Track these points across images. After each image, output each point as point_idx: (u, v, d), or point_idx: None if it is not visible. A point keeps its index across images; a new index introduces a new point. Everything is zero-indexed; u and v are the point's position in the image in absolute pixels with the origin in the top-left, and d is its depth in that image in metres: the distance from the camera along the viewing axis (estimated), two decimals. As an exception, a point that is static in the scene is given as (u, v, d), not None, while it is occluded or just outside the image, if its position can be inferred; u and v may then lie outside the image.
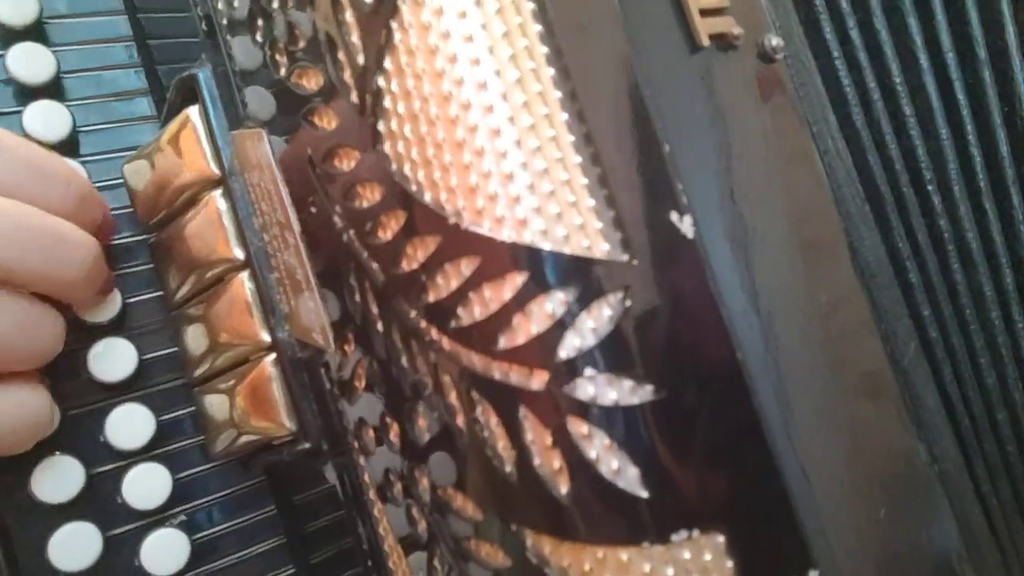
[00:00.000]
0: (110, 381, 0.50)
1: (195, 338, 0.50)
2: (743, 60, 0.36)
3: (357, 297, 0.36)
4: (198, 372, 0.50)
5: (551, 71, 0.30)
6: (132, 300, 0.53)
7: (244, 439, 0.47)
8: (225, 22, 0.40)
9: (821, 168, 0.36)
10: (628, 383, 0.28)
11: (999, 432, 0.39)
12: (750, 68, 0.36)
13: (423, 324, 0.31)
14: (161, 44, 0.59)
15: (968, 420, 0.38)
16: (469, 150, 0.29)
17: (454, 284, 0.30)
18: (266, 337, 0.45)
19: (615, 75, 0.31)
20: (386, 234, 0.32)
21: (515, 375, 0.29)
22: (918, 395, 0.36)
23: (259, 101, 0.39)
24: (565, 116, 0.30)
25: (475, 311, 0.29)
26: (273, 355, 0.45)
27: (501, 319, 0.29)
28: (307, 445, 0.43)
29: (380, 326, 0.35)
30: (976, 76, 0.43)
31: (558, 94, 0.30)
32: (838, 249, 0.35)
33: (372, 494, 0.40)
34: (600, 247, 0.30)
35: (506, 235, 0.29)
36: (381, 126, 0.31)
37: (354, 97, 0.32)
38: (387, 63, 0.30)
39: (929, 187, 0.40)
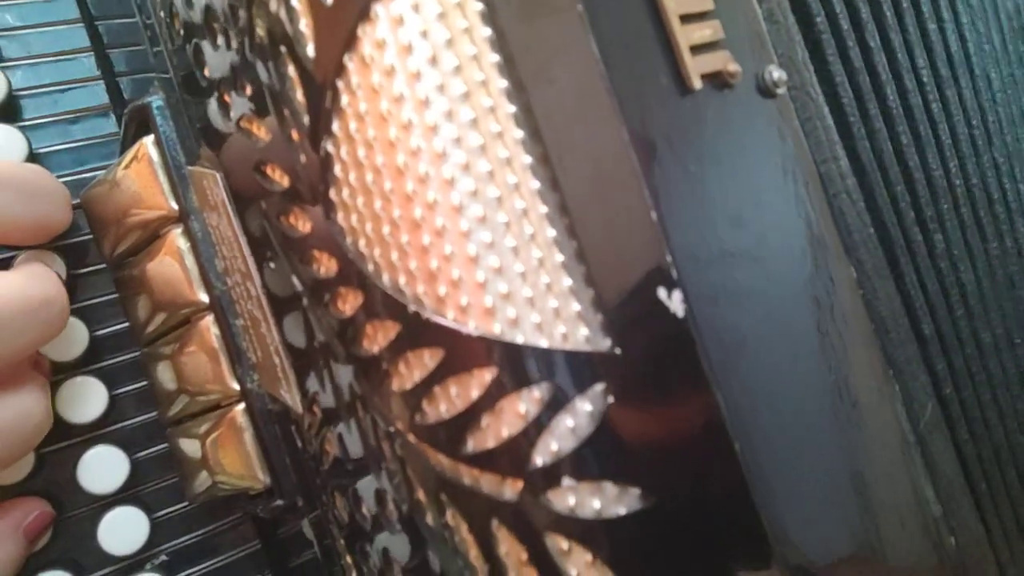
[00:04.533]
0: (81, 422, 0.48)
1: (166, 377, 0.47)
2: (741, 99, 0.32)
3: (321, 364, 0.33)
4: (171, 412, 0.47)
5: (519, 134, 0.27)
6: (100, 333, 0.50)
7: (219, 487, 0.45)
8: (171, 53, 0.37)
9: (831, 218, 0.32)
10: (612, 489, 0.26)
11: (1011, 493, 0.36)
12: (748, 108, 0.32)
13: (387, 413, 0.28)
14: (124, 53, 0.55)
15: (984, 484, 0.35)
16: (428, 230, 0.26)
17: (417, 376, 0.27)
18: (235, 386, 0.42)
19: (593, 133, 0.27)
20: (344, 309, 0.29)
21: (486, 483, 0.26)
22: (935, 464, 0.33)
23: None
24: (536, 184, 0.27)
25: (440, 408, 0.26)
26: (243, 404, 0.42)
27: (469, 419, 0.26)
28: (280, 503, 0.40)
29: (346, 400, 0.32)
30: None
31: (528, 159, 0.27)
32: (852, 310, 0.31)
33: (347, 559, 0.38)
34: (578, 333, 0.26)
35: (472, 327, 0.26)
36: (333, 195, 0.28)
37: (303, 159, 0.29)
38: (335, 127, 0.27)
39: (931, 225, 0.37)
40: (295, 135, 0.29)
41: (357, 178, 0.27)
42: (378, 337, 0.28)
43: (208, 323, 0.43)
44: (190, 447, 0.46)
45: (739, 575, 0.26)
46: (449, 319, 0.26)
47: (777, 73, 0.32)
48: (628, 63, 0.29)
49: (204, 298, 0.42)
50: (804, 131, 0.34)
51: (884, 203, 0.36)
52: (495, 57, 0.27)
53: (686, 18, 0.30)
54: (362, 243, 0.27)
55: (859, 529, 0.30)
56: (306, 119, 0.28)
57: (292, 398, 0.37)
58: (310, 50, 0.27)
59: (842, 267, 0.31)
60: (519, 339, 0.26)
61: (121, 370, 0.50)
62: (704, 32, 0.31)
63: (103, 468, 0.48)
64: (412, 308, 0.26)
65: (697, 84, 0.30)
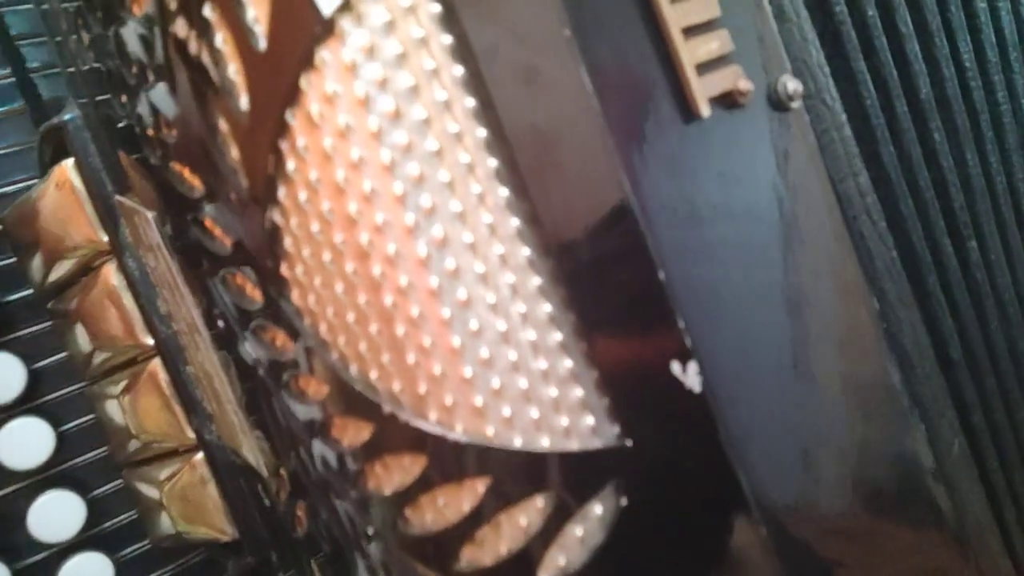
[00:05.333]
0: (27, 468, 0.44)
1: (116, 416, 0.43)
2: (753, 119, 0.27)
3: (285, 440, 0.29)
4: (125, 452, 0.43)
5: (504, 193, 0.22)
6: (38, 366, 0.45)
7: (184, 537, 0.41)
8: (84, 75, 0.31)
9: (850, 244, 0.29)
10: (628, 605, 0.22)
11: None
12: (762, 128, 0.28)
13: (363, 514, 0.24)
14: (37, 45, 0.48)
15: (1015, 515, 0.32)
16: (401, 318, 0.22)
17: (397, 481, 0.23)
18: (191, 435, 0.38)
19: (588, 185, 0.23)
20: (307, 395, 0.25)
21: (483, 607, 0.22)
22: (963, 505, 0.30)
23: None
24: (526, 252, 0.22)
25: (427, 519, 0.23)
26: (202, 454, 0.38)
27: (461, 532, 0.22)
28: (250, 560, 0.37)
29: (315, 481, 0.28)
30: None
31: (515, 223, 0.22)
32: (876, 369, 0.28)
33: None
34: (583, 423, 0.23)
35: (460, 431, 0.22)
36: (285, 271, 0.23)
37: (243, 226, 0.24)
38: (281, 195, 0.22)
39: (964, 231, 0.33)
40: (233, 196, 0.24)
41: (312, 255, 0.22)
42: (348, 432, 0.24)
43: (157, 366, 0.38)
44: (149, 491, 0.43)
45: None
46: (432, 422, 0.22)
47: (792, 85, 0.28)
48: (626, 94, 0.24)
49: (148, 340, 0.38)
50: (820, 145, 0.30)
51: (910, 215, 0.32)
52: (470, 102, 0.22)
53: (690, 31, 0.26)
54: (323, 328, 0.23)
55: None
56: (244, 182, 0.23)
57: (255, 460, 0.33)
58: (243, 103, 0.22)
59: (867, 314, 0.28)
60: (516, 442, 0.22)
61: (67, 404, 0.45)
62: (711, 46, 0.26)
63: (57, 514, 0.44)
64: (387, 408, 0.22)
65: (705, 111, 0.25)
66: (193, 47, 0.22)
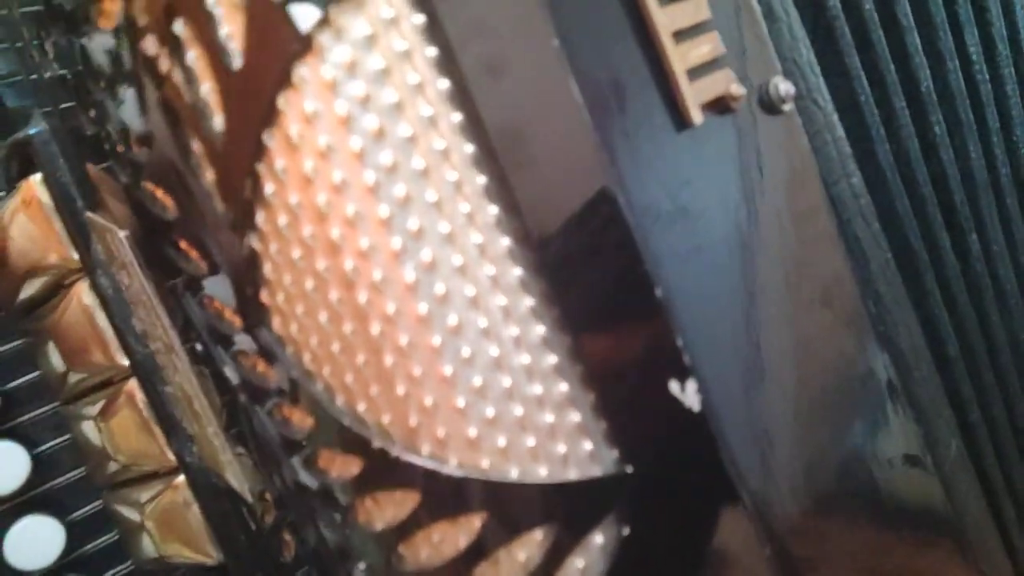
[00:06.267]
0: (1, 494, 0.42)
1: (92, 437, 0.41)
2: (744, 125, 0.27)
3: (269, 466, 0.28)
4: (104, 474, 0.42)
5: (494, 211, 0.21)
6: (10, 387, 0.44)
7: (167, 560, 0.40)
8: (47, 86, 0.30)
9: (842, 252, 0.28)
10: (631, 636, 0.22)
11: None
12: (753, 133, 0.27)
13: (354, 547, 0.23)
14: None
15: (1014, 512, 0.32)
16: (389, 348, 0.21)
17: (390, 516, 0.22)
18: (171, 458, 0.37)
19: (581, 201, 0.22)
20: (292, 424, 0.24)
21: (483, 645, 0.22)
22: (962, 506, 0.30)
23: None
24: (518, 272, 0.22)
25: (421, 555, 0.22)
26: (183, 477, 0.37)
27: (458, 569, 0.22)
28: (238, 584, 0.36)
29: (300, 508, 0.27)
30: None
31: (506, 242, 0.21)
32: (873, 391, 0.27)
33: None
34: (581, 450, 0.22)
35: (453, 465, 0.21)
36: (265, 298, 0.22)
37: (221, 251, 0.23)
38: (260, 220, 0.21)
39: (965, 224, 0.33)
40: (210, 221, 0.23)
41: (294, 282, 0.21)
42: (336, 465, 0.23)
43: (134, 387, 0.37)
44: (130, 514, 0.41)
45: None
46: (424, 455, 0.21)
47: (784, 87, 0.27)
48: (616, 103, 0.23)
49: (123, 361, 0.36)
50: (813, 147, 0.29)
51: (906, 213, 0.31)
52: (456, 117, 0.21)
53: (680, 35, 0.25)
54: (307, 359, 0.22)
55: None
56: (220, 206, 0.22)
57: (238, 484, 0.32)
58: (217, 123, 0.21)
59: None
60: (512, 474, 0.21)
61: (41, 425, 0.44)
62: (702, 50, 0.25)
63: (35, 540, 0.43)
64: (376, 443, 0.21)
65: (697, 118, 0.25)
66: (164, 65, 0.20)
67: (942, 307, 0.32)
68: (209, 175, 0.21)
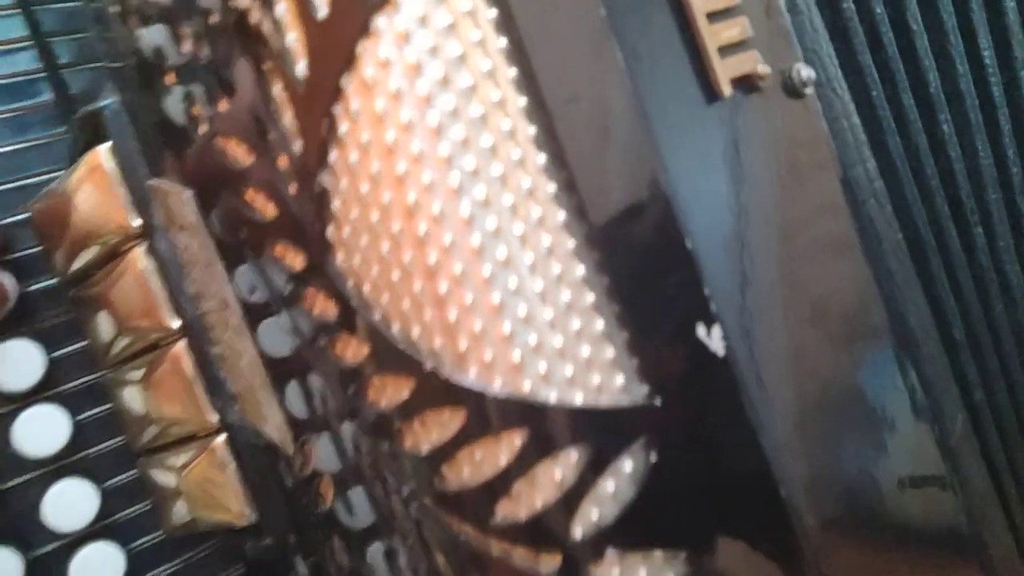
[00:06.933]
0: (43, 456, 0.44)
1: (134, 403, 0.43)
2: (770, 103, 0.29)
3: (317, 405, 0.30)
4: (141, 441, 0.43)
5: (542, 159, 0.24)
6: (57, 355, 0.46)
7: (199, 523, 0.42)
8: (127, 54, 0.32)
9: (855, 229, 0.30)
10: (659, 556, 0.23)
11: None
12: (778, 112, 0.29)
13: (398, 471, 0.25)
14: (66, 42, 0.49)
15: (1015, 489, 0.34)
16: (445, 276, 0.23)
17: (435, 438, 0.24)
18: (213, 418, 0.39)
19: (622, 157, 0.24)
20: (346, 356, 0.26)
21: (519, 556, 0.23)
22: (967, 479, 0.31)
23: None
24: (563, 215, 0.24)
25: (464, 473, 0.24)
26: (224, 436, 0.39)
27: (497, 486, 0.23)
28: (269, 541, 0.37)
29: (348, 447, 0.29)
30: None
31: (552, 188, 0.24)
32: (880, 333, 0.29)
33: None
34: (614, 382, 0.24)
35: (498, 386, 0.23)
36: (331, 233, 0.24)
37: (293, 190, 0.25)
38: (332, 158, 0.23)
39: (971, 217, 0.35)
40: (283, 162, 0.25)
41: (360, 216, 0.23)
42: (387, 392, 0.25)
43: (180, 350, 0.39)
44: (164, 478, 0.43)
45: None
46: (472, 377, 0.23)
47: (806, 72, 0.30)
48: (655, 72, 0.26)
49: (174, 323, 0.39)
50: (831, 131, 0.31)
51: (915, 201, 0.33)
52: (512, 72, 0.23)
53: (713, 16, 0.27)
54: (367, 288, 0.24)
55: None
56: (297, 146, 0.24)
57: (280, 436, 0.34)
58: (300, 69, 0.23)
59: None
60: (552, 397, 0.23)
61: (84, 394, 0.46)
62: (732, 31, 0.28)
63: (71, 503, 0.45)
64: (428, 364, 0.23)
65: (727, 91, 0.27)
66: (254, 17, 0.23)
67: (948, 292, 0.34)
68: (288, 119, 0.24)
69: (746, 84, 0.28)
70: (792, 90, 0.30)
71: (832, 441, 0.27)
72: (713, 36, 0.27)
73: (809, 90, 0.30)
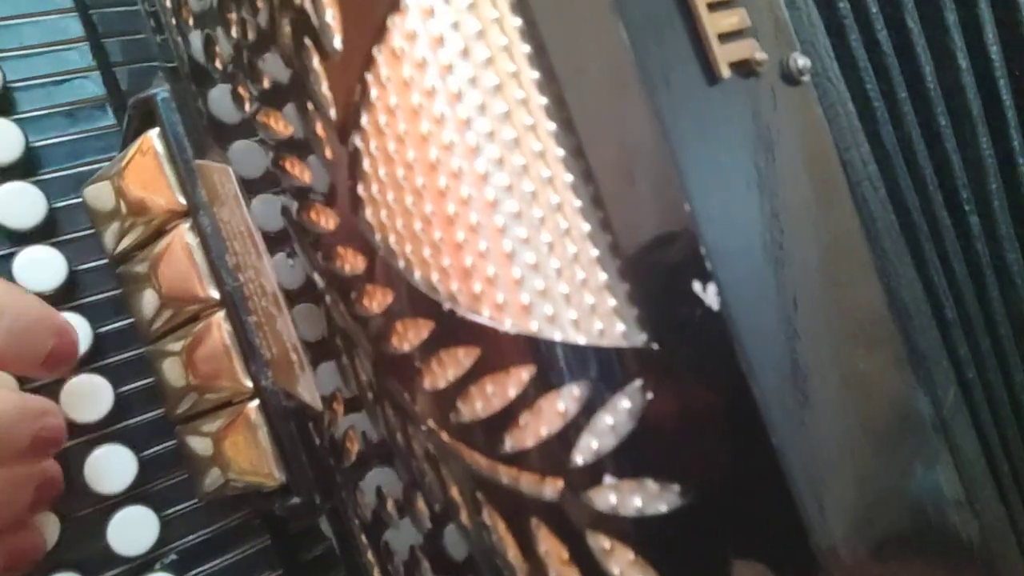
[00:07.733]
0: (87, 422, 0.47)
1: (174, 374, 0.46)
2: (767, 87, 0.31)
3: (345, 361, 0.32)
4: (179, 410, 0.46)
5: (552, 126, 0.26)
6: (104, 330, 0.49)
7: (231, 485, 0.44)
8: (178, 42, 0.36)
9: (852, 205, 0.32)
10: (653, 487, 0.25)
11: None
12: (774, 96, 0.32)
13: (418, 411, 0.28)
14: (119, 42, 0.53)
15: (1007, 465, 0.35)
16: (461, 226, 0.25)
17: (452, 374, 0.26)
18: (248, 384, 0.41)
19: (626, 125, 0.27)
20: (372, 306, 0.29)
21: (525, 482, 0.26)
22: (958, 447, 0.33)
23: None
24: (570, 177, 0.26)
25: (476, 406, 0.26)
26: (257, 401, 0.42)
27: (506, 417, 0.26)
28: (297, 501, 0.40)
29: (371, 396, 0.31)
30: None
31: (560, 152, 0.26)
32: (873, 299, 0.31)
33: (370, 555, 0.38)
34: (615, 329, 0.26)
35: (509, 325, 0.25)
36: (361, 190, 0.27)
37: (328, 154, 0.28)
38: (364, 121, 0.26)
39: (967, 207, 0.37)
40: (320, 129, 0.28)
41: (387, 173, 0.26)
42: (409, 335, 0.27)
43: (219, 320, 0.42)
44: (200, 445, 0.46)
45: (779, 567, 0.26)
46: (485, 317, 0.25)
47: (802, 60, 0.32)
48: (657, 52, 0.28)
49: (214, 294, 0.42)
50: (827, 117, 0.34)
51: (907, 188, 0.35)
52: (526, 47, 0.26)
53: (712, 6, 0.30)
54: (392, 239, 0.27)
55: (888, 519, 0.30)
56: (333, 113, 0.27)
57: (310, 395, 0.36)
58: (337, 42, 0.26)
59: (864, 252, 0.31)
60: (557, 336, 0.25)
61: (126, 367, 0.49)
62: (731, 20, 0.30)
63: (110, 468, 0.48)
64: (446, 306, 0.26)
65: (726, 73, 0.29)
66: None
67: (941, 274, 0.35)
68: (325, 87, 0.27)
69: (744, 69, 0.31)
70: (789, 77, 0.32)
71: (817, 406, 0.29)
72: (713, 23, 0.29)
73: (805, 78, 0.32)
